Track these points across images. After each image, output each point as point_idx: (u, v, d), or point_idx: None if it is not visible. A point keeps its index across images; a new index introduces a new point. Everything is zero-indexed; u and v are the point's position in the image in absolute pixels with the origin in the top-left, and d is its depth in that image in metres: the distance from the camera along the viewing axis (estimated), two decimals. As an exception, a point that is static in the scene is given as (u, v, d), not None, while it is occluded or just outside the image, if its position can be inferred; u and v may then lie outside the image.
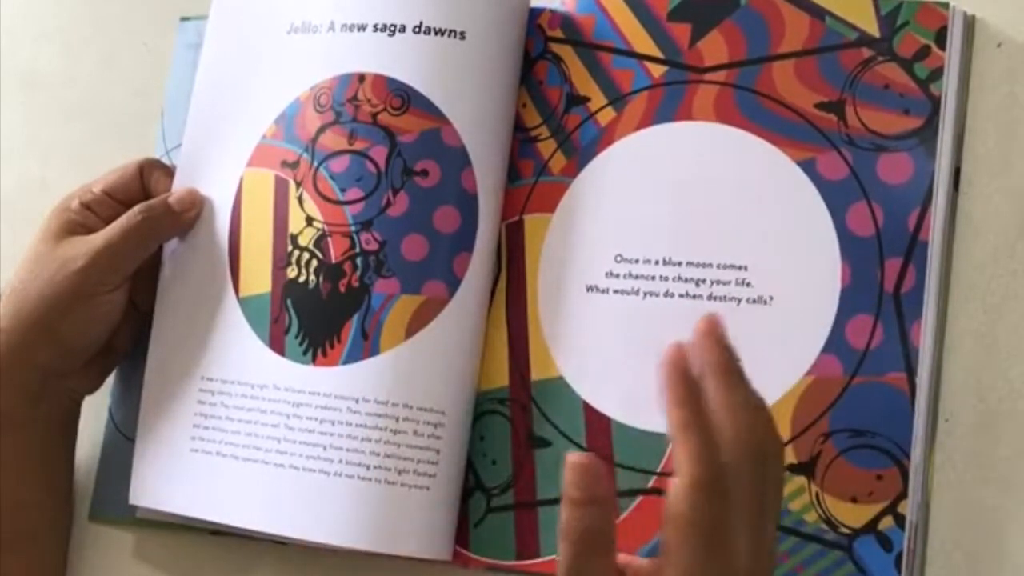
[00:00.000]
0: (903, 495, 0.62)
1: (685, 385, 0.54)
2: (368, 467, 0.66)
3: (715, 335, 0.55)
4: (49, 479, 0.74)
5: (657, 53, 0.69)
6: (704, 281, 0.66)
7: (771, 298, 0.65)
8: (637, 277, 0.67)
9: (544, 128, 0.70)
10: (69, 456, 0.75)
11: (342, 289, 0.68)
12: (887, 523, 0.62)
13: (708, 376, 0.54)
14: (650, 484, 0.65)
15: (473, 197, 0.68)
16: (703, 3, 0.68)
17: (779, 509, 0.55)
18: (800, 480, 0.63)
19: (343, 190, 0.69)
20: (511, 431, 0.68)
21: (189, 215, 0.72)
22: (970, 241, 0.64)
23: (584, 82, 0.70)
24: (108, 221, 0.71)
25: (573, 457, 0.53)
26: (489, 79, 0.69)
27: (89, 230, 0.71)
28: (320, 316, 0.68)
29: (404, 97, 0.69)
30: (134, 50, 0.83)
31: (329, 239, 0.69)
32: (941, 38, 0.65)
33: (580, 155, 0.69)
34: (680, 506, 0.52)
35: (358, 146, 0.69)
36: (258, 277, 0.70)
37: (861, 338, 0.63)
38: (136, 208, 0.71)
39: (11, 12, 0.88)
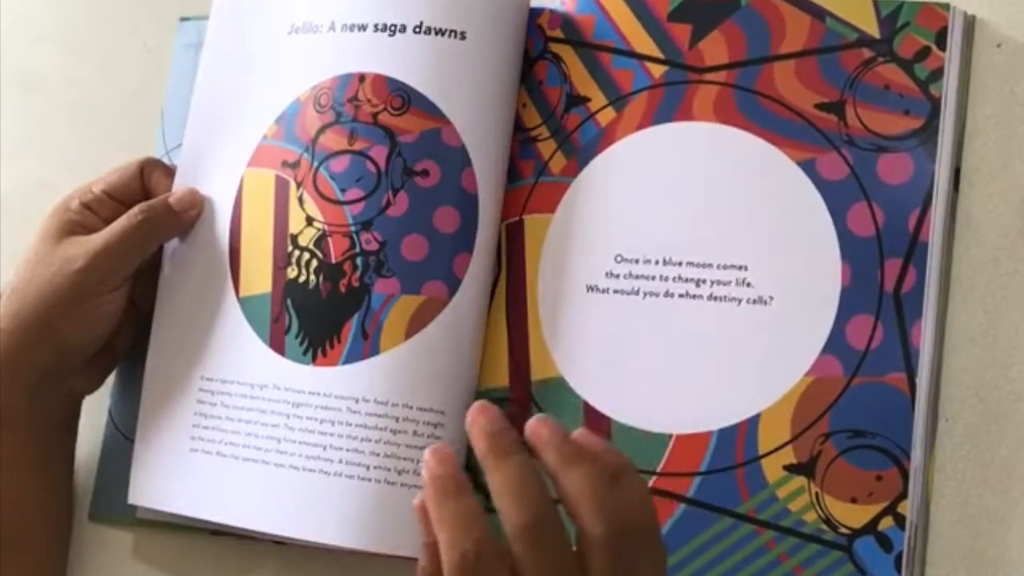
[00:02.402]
0: (903, 495, 0.62)
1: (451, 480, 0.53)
2: (368, 467, 0.66)
3: (480, 424, 0.53)
4: (49, 479, 0.74)
5: (657, 53, 0.69)
6: (704, 281, 0.66)
7: (771, 298, 0.65)
8: (637, 277, 0.67)
9: (544, 128, 0.70)
10: (69, 456, 0.75)
11: (342, 289, 0.68)
12: (887, 523, 0.62)
13: (478, 455, 0.53)
14: (650, 484, 0.65)
15: (473, 197, 0.68)
16: (704, 3, 0.68)
17: None
18: (800, 480, 0.63)
19: (343, 190, 0.69)
20: (511, 431, 0.68)
21: (189, 215, 0.72)
22: (970, 241, 0.64)
23: (584, 82, 0.70)
24: (108, 221, 0.71)
25: (415, 502, 0.54)
26: (489, 79, 0.69)
27: (89, 230, 0.71)
28: (320, 316, 0.68)
29: (404, 97, 0.69)
30: (134, 50, 0.83)
31: (329, 239, 0.69)
32: (941, 39, 0.65)
33: (580, 155, 0.69)
34: None
35: (358, 146, 0.69)
36: (258, 277, 0.70)
37: (861, 338, 0.63)
38: (136, 208, 0.71)
39: (11, 12, 0.88)
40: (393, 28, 0.70)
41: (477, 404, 0.54)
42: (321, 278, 0.69)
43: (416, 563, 0.67)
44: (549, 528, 0.51)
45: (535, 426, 0.53)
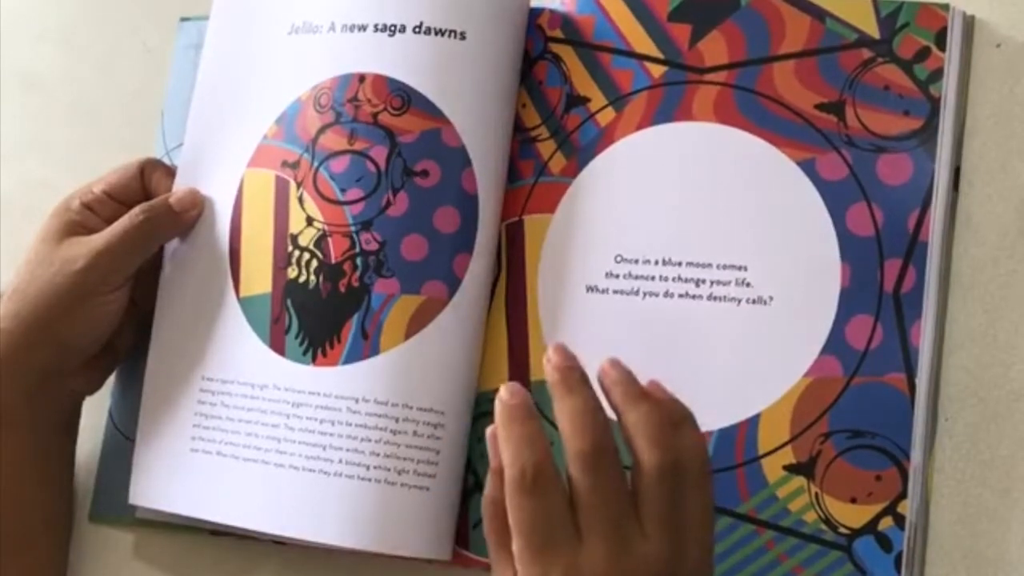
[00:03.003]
0: (903, 495, 0.62)
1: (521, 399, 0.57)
2: (368, 467, 0.66)
3: (554, 361, 0.57)
4: (49, 479, 0.74)
5: (657, 53, 0.69)
6: (704, 281, 0.66)
7: (771, 298, 0.65)
8: (637, 277, 0.67)
9: (544, 128, 0.70)
10: (69, 456, 0.75)
11: (342, 289, 0.68)
12: (887, 523, 0.62)
13: (550, 387, 0.56)
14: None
15: (473, 197, 0.68)
16: (703, 3, 0.68)
17: (675, 524, 0.54)
18: (800, 480, 0.63)
19: (343, 190, 0.69)
20: (511, 431, 0.67)
21: (190, 215, 0.72)
22: (970, 241, 0.64)
23: (584, 82, 0.70)
24: (109, 221, 0.71)
25: (488, 430, 0.57)
26: (489, 79, 0.69)
27: (90, 230, 0.71)
28: (320, 316, 0.68)
29: (404, 97, 0.69)
30: (134, 50, 0.83)
31: (329, 239, 0.69)
32: (941, 39, 0.65)
33: (580, 155, 0.69)
34: (507, 504, 0.55)
35: (358, 146, 0.69)
36: (259, 277, 0.70)
37: (861, 338, 0.63)
38: (137, 208, 0.71)
39: (11, 12, 0.88)
40: (393, 28, 0.70)
41: (555, 344, 0.57)
42: (321, 278, 0.69)
43: (416, 562, 0.67)
44: (605, 457, 0.54)
45: (606, 367, 0.57)
